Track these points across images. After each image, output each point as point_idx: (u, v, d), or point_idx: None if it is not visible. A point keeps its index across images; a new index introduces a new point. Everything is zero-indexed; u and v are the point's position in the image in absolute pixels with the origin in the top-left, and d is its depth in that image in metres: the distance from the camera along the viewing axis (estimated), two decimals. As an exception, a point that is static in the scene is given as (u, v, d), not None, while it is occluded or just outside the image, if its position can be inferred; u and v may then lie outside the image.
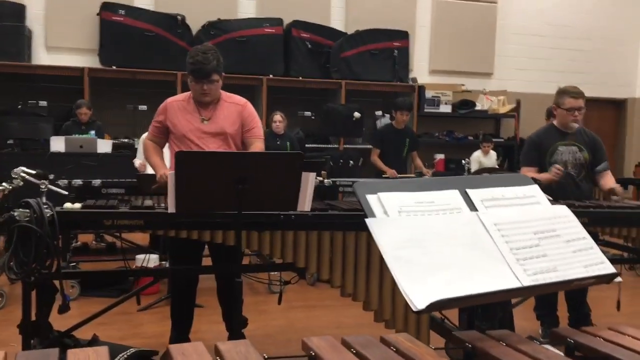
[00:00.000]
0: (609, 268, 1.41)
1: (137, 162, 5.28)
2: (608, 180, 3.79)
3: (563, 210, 1.51)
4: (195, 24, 7.69)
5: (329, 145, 8.14)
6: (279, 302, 3.40)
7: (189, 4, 7.74)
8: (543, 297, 3.85)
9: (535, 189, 1.56)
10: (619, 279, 1.42)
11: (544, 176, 3.64)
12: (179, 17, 7.55)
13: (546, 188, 3.55)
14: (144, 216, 2.71)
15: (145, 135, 5.35)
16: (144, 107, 7.30)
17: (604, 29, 9.56)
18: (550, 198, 3.59)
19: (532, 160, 3.81)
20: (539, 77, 9.30)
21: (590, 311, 3.96)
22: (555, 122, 3.87)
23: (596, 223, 3.26)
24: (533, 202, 1.52)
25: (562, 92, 3.78)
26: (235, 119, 3.14)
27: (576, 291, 3.75)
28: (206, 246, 3.10)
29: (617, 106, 9.96)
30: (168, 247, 3.23)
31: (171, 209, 2.48)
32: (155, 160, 3.21)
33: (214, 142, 3.09)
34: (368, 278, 2.91)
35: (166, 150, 3.31)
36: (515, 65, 9.23)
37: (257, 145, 3.17)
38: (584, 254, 1.42)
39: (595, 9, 9.49)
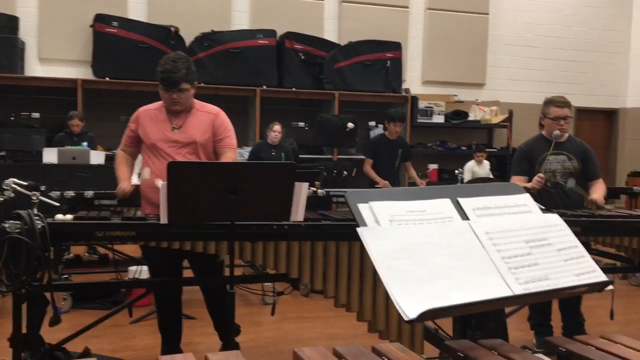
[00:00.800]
0: (600, 276, 1.41)
1: (133, 179, 5.27)
2: (594, 190, 3.82)
3: (555, 219, 1.51)
4: (188, 36, 7.71)
5: (323, 156, 8.16)
6: (272, 313, 3.39)
7: (182, 15, 7.76)
8: (537, 306, 3.85)
9: (526, 197, 1.56)
10: (610, 287, 1.42)
11: (527, 185, 3.67)
12: (172, 29, 7.57)
13: (535, 197, 3.58)
14: (135, 227, 2.69)
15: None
16: (137, 119, 7.28)
17: (594, 41, 9.65)
18: (543, 207, 3.62)
19: (522, 170, 3.83)
20: (531, 88, 9.37)
21: (584, 320, 3.96)
22: (543, 132, 3.90)
23: (588, 232, 3.26)
24: (525, 211, 1.53)
25: (548, 102, 3.81)
26: (207, 128, 3.09)
27: (570, 300, 3.76)
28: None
29: (609, 116, 10.03)
30: (146, 257, 3.19)
31: (163, 219, 2.47)
32: (121, 171, 3.21)
33: (183, 151, 3.03)
34: (361, 288, 2.90)
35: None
36: (508, 75, 9.29)
37: (229, 155, 3.12)
38: (576, 262, 1.42)
39: (586, 21, 9.58)
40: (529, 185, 3.65)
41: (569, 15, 9.50)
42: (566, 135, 3.84)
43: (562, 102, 3.76)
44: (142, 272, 3.67)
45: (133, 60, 7.43)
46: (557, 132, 3.72)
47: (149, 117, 3.10)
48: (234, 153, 3.18)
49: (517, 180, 3.79)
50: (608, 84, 9.77)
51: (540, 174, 3.63)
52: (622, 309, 4.74)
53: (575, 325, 3.94)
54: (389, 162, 6.01)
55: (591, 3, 9.59)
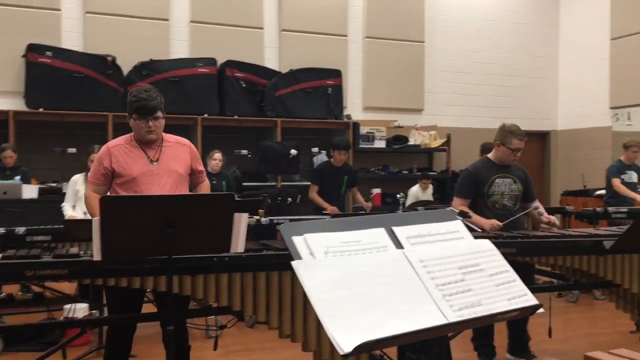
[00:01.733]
0: (531, 300, 1.45)
1: (68, 212, 5.11)
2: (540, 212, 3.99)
3: (486, 244, 1.54)
4: (126, 65, 7.59)
5: (267, 183, 8.12)
6: (215, 348, 3.31)
7: (119, 45, 7.64)
8: (480, 327, 3.93)
9: (458, 224, 1.59)
10: (541, 310, 1.46)
11: (480, 220, 3.78)
12: (109, 58, 7.43)
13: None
14: (68, 265, 2.59)
15: (76, 177, 5.23)
16: (73, 150, 7.08)
17: (525, 67, 10.09)
18: (479, 230, 3.72)
19: (466, 192, 3.93)
20: (467, 112, 9.69)
21: (529, 339, 4.05)
22: (491, 157, 4.02)
23: (524, 253, 3.36)
24: (457, 237, 1.56)
25: (510, 132, 3.89)
26: (185, 159, 3.13)
27: (517, 320, 3.85)
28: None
29: (541, 138, 10.45)
30: (106, 294, 3.07)
31: (97, 256, 2.38)
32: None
33: (167, 183, 3.03)
34: (306, 318, 2.87)
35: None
36: (444, 101, 9.57)
37: (206, 184, 3.26)
38: (507, 287, 1.45)
39: (516, 48, 10.01)
40: (483, 224, 3.75)
41: (500, 43, 9.91)
42: None
43: (523, 135, 3.90)
44: (75, 310, 3.52)
45: (68, 90, 7.23)
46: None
47: (121, 151, 3.06)
48: (208, 182, 3.32)
49: (459, 201, 3.91)
50: (539, 108, 10.21)
51: (499, 224, 3.72)
52: (560, 326, 4.89)
53: (520, 345, 4.03)
54: (335, 189, 6.06)
55: (521, 30, 10.04)
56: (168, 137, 3.17)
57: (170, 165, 3.06)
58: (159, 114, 3.04)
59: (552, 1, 10.30)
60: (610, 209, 6.08)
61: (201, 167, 3.24)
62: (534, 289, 3.58)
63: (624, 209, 6.03)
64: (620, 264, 3.46)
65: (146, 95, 3.00)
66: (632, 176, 6.49)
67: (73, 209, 5.16)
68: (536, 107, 10.17)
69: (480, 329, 3.91)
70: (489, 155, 4.05)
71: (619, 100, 9.14)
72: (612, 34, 9.25)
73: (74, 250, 2.82)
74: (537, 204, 4.03)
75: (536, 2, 10.18)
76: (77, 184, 5.19)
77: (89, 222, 2.46)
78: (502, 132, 3.93)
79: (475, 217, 3.80)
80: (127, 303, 2.89)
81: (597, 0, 9.57)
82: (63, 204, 5.25)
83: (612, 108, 9.31)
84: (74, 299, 3.96)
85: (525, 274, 3.81)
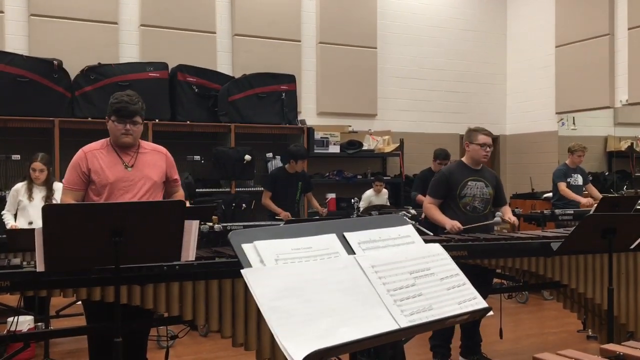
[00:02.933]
0: (481, 303, 1.46)
1: (10, 222, 4.92)
2: (505, 212, 4.17)
3: (436, 248, 1.55)
4: (73, 69, 7.36)
5: (220, 189, 8.02)
6: (166, 359, 3.22)
7: (66, 48, 7.42)
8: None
9: (409, 229, 1.59)
10: (491, 312, 1.47)
11: (445, 222, 3.93)
12: (55, 62, 7.19)
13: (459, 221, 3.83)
14: (10, 276, 2.48)
15: (18, 185, 5.04)
16: (17, 157, 6.83)
17: (475, 73, 10.32)
18: (431, 234, 3.78)
19: (438, 193, 4.08)
20: (419, 118, 9.83)
21: (481, 340, 4.12)
22: (464, 160, 4.16)
23: (475, 256, 3.42)
24: (408, 242, 1.56)
25: (474, 131, 4.14)
26: (161, 167, 3.14)
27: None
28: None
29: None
30: (82, 303, 2.96)
31: (40, 267, 2.29)
32: None
33: (141, 190, 3.02)
34: (259, 326, 2.84)
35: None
36: (397, 106, 9.69)
37: (181, 193, 3.29)
38: (458, 290, 1.46)
39: (466, 55, 10.23)
40: (447, 226, 3.89)
41: (450, 49, 10.10)
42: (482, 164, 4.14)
43: (488, 132, 4.14)
44: (19, 323, 3.37)
45: (11, 95, 6.96)
46: (497, 219, 4.03)
47: (98, 156, 3.03)
48: (183, 192, 3.34)
49: (431, 202, 4.08)
50: (489, 113, 10.45)
51: (460, 227, 3.85)
52: (511, 327, 4.99)
53: (473, 344, 4.10)
54: (289, 194, 6.04)
55: (470, 37, 10.26)
56: (145, 144, 3.18)
57: (145, 172, 3.06)
58: (138, 119, 3.05)
59: (500, 9, 10.58)
60: (557, 211, 6.26)
61: (176, 176, 3.27)
62: (485, 290, 3.66)
63: (570, 212, 6.23)
64: (567, 265, 3.56)
65: (128, 99, 3.02)
66: (578, 179, 6.71)
67: (15, 218, 4.98)
68: (486, 112, 10.41)
69: (440, 329, 3.97)
70: (463, 159, 4.20)
71: (564, 105, 9.46)
72: (557, 42, 9.57)
73: (17, 260, 2.70)
74: (506, 208, 4.19)
75: (484, 10, 10.43)
76: (19, 193, 5.01)
77: (33, 231, 2.37)
78: (468, 133, 4.18)
79: (439, 215, 3.98)
80: (103, 312, 2.72)
81: (542, 9, 9.88)
82: (3, 212, 5.06)
83: (557, 113, 9.62)
84: (17, 312, 3.79)
85: (485, 278, 3.94)
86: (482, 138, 4.07)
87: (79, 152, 3.08)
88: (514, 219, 4.19)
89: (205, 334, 4.74)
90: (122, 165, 3.02)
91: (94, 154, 3.04)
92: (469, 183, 4.03)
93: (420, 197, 6.18)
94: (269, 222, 5.63)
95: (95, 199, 2.98)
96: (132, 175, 3.02)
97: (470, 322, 3.93)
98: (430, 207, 4.06)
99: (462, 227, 3.85)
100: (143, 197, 3.00)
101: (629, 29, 8.57)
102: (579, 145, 6.75)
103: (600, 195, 6.49)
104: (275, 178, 6.10)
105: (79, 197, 3.02)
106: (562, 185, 6.58)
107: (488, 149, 4.09)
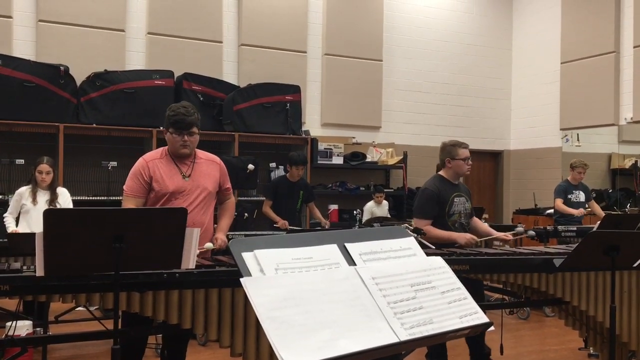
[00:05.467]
0: (482, 318, 1.45)
1: (11, 226, 4.92)
2: (482, 227, 4.13)
3: (438, 261, 1.54)
4: (80, 75, 7.39)
5: (223, 198, 8.02)
6: (164, 367, 3.20)
7: (73, 54, 7.45)
8: (435, 345, 3.94)
9: (411, 241, 1.58)
10: (492, 327, 1.46)
11: (456, 238, 3.84)
12: (61, 68, 7.22)
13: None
14: (8, 281, 2.47)
15: (22, 189, 5.05)
16: (21, 161, 6.84)
17: (480, 87, 10.33)
18: (433, 247, 3.76)
19: (429, 213, 3.91)
20: (423, 131, 9.83)
21: (489, 351, 4.08)
22: (444, 174, 4.07)
23: (476, 270, 3.39)
24: (410, 254, 1.55)
25: (453, 145, 4.03)
26: (215, 177, 3.24)
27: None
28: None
29: (495, 158, 10.69)
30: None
31: (39, 272, 2.29)
32: None
33: (198, 199, 3.13)
34: (258, 336, 2.81)
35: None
36: (401, 119, 9.70)
37: (233, 200, 3.48)
38: (459, 304, 1.44)
39: (471, 69, 10.25)
40: (462, 241, 3.80)
41: (456, 64, 10.12)
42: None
43: (465, 143, 4.06)
44: (17, 328, 3.36)
45: (17, 99, 6.98)
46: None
47: (158, 165, 3.14)
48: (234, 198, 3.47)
49: (424, 223, 3.89)
50: (493, 128, 10.45)
51: (475, 238, 3.81)
52: (511, 343, 4.95)
53: (481, 356, 4.06)
54: (291, 204, 6.04)
55: (475, 52, 10.29)
56: (200, 153, 3.28)
57: (201, 182, 3.17)
58: (195, 129, 3.14)
59: (506, 25, 10.61)
60: (560, 227, 6.24)
61: (228, 185, 3.38)
62: (486, 306, 3.64)
63: (573, 228, 6.20)
64: (569, 281, 3.53)
65: (184, 111, 3.12)
66: (580, 196, 6.70)
67: (16, 222, 4.98)
68: (490, 127, 10.41)
69: (436, 346, 3.93)
70: (442, 174, 4.10)
71: (569, 122, 9.45)
72: (562, 58, 9.58)
73: (17, 265, 2.69)
74: (475, 219, 4.17)
75: (490, 26, 10.46)
76: (23, 197, 5.01)
77: (34, 235, 2.37)
78: (447, 149, 4.05)
79: (444, 233, 3.86)
80: (135, 316, 2.72)
81: (548, 25, 9.90)
82: (5, 215, 5.06)
83: (562, 129, 9.61)
84: (16, 316, 3.78)
85: (476, 290, 3.89)
86: (463, 152, 3.99)
87: (141, 161, 3.18)
88: (503, 235, 4.07)
89: (203, 343, 4.71)
90: (180, 175, 3.14)
91: (155, 163, 3.15)
92: (455, 200, 3.96)
93: None
94: (269, 232, 5.63)
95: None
96: (189, 184, 3.14)
97: (475, 335, 3.93)
98: (430, 228, 3.83)
99: (477, 239, 3.80)
100: (198, 206, 3.12)
101: (634, 47, 8.58)
102: (579, 162, 6.75)
103: (602, 213, 6.48)
104: (276, 186, 6.10)
105: (140, 203, 3.13)
106: (559, 202, 6.58)
107: (470, 161, 4.03)
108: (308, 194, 6.19)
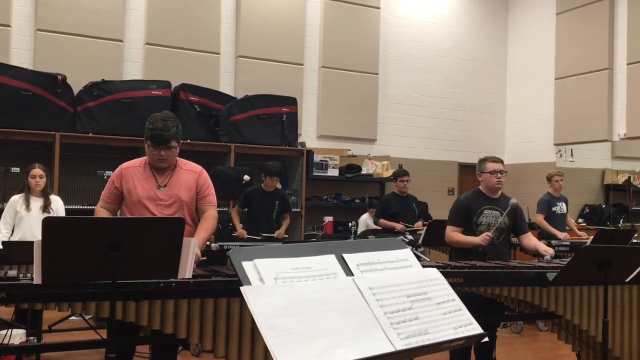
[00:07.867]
0: (477, 329, 1.47)
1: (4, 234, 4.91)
2: (534, 242, 4.19)
3: (434, 273, 1.56)
4: (77, 85, 7.42)
5: (218, 209, 8.00)
6: (159, 377, 3.20)
7: (70, 64, 7.48)
8: (457, 353, 3.93)
9: (407, 252, 1.61)
10: (486, 339, 1.48)
11: (473, 239, 3.95)
12: (59, 77, 7.25)
13: (470, 250, 3.84)
14: (5, 288, 2.47)
15: (15, 197, 5.04)
16: (16, 169, 6.84)
17: (474, 102, 10.41)
18: (428, 260, 3.78)
19: (458, 221, 4.10)
20: (418, 144, 9.89)
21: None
22: (481, 188, 4.18)
23: (471, 283, 3.41)
24: (406, 266, 1.57)
25: (482, 160, 4.22)
26: (191, 186, 3.22)
27: (486, 345, 3.95)
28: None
29: (489, 171, 10.74)
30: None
31: (37, 279, 2.29)
32: None
33: (169, 209, 3.13)
34: (253, 347, 2.82)
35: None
36: (397, 132, 9.75)
37: (211, 213, 3.29)
38: (454, 315, 1.47)
39: (466, 84, 10.34)
40: (476, 240, 3.94)
41: (451, 78, 10.21)
42: (499, 192, 4.15)
43: (497, 158, 4.23)
44: (12, 336, 3.35)
45: (14, 108, 7.00)
46: (547, 257, 3.98)
47: (133, 174, 3.16)
48: (215, 210, 3.35)
49: (453, 230, 4.10)
50: (487, 142, 10.51)
51: (489, 233, 3.91)
52: (504, 357, 4.96)
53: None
54: (266, 213, 6.03)
55: (471, 67, 10.38)
56: (182, 163, 3.29)
57: (174, 191, 3.17)
58: (173, 143, 3.14)
59: (501, 40, 10.71)
60: (554, 242, 6.27)
61: (208, 194, 3.31)
62: (480, 319, 3.64)
63: (567, 242, 6.24)
64: (562, 295, 3.55)
65: (162, 125, 3.10)
66: (563, 207, 6.78)
67: (8, 229, 4.96)
68: (484, 142, 10.47)
69: (458, 355, 3.93)
70: (480, 187, 4.22)
71: (563, 137, 9.52)
72: (556, 74, 9.67)
73: (13, 273, 2.70)
74: (529, 236, 4.21)
75: (485, 40, 10.56)
76: (17, 204, 5.01)
77: (30, 244, 2.38)
78: (479, 163, 4.26)
79: (464, 237, 4.02)
80: (126, 326, 2.74)
81: (543, 42, 10.01)
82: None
83: (556, 144, 9.68)
84: (10, 325, 3.77)
85: (499, 310, 3.94)
86: (490, 165, 4.12)
87: (118, 169, 3.23)
88: (550, 250, 4.10)
89: (197, 353, 4.70)
90: (154, 184, 3.15)
91: (130, 171, 3.17)
92: (485, 211, 4.07)
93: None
94: (263, 242, 5.62)
95: (127, 214, 3.14)
96: (163, 194, 3.15)
97: (484, 348, 3.95)
98: (453, 234, 4.06)
99: (491, 234, 3.88)
100: (169, 215, 3.10)
101: (628, 64, 8.68)
102: (554, 172, 6.86)
103: (576, 229, 6.59)
104: (250, 196, 6.11)
105: (111, 209, 3.21)
106: (539, 217, 6.65)
107: (499, 175, 4.13)
108: (284, 204, 6.18)
